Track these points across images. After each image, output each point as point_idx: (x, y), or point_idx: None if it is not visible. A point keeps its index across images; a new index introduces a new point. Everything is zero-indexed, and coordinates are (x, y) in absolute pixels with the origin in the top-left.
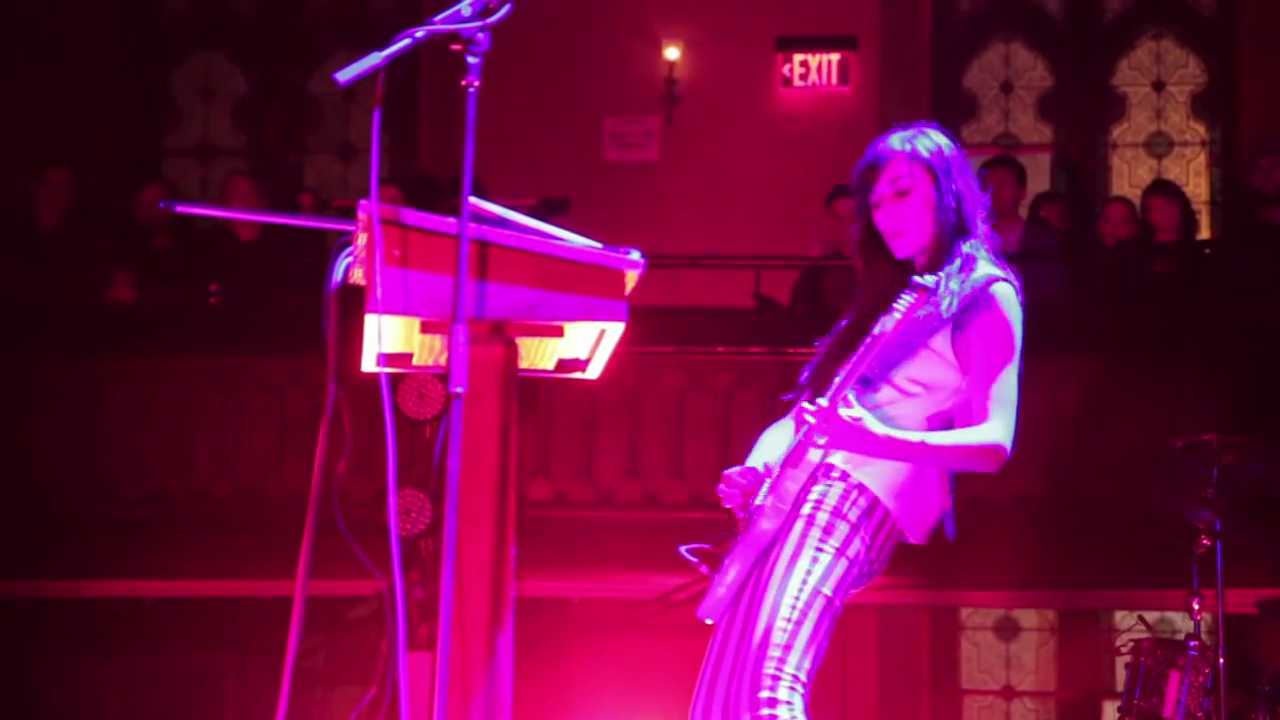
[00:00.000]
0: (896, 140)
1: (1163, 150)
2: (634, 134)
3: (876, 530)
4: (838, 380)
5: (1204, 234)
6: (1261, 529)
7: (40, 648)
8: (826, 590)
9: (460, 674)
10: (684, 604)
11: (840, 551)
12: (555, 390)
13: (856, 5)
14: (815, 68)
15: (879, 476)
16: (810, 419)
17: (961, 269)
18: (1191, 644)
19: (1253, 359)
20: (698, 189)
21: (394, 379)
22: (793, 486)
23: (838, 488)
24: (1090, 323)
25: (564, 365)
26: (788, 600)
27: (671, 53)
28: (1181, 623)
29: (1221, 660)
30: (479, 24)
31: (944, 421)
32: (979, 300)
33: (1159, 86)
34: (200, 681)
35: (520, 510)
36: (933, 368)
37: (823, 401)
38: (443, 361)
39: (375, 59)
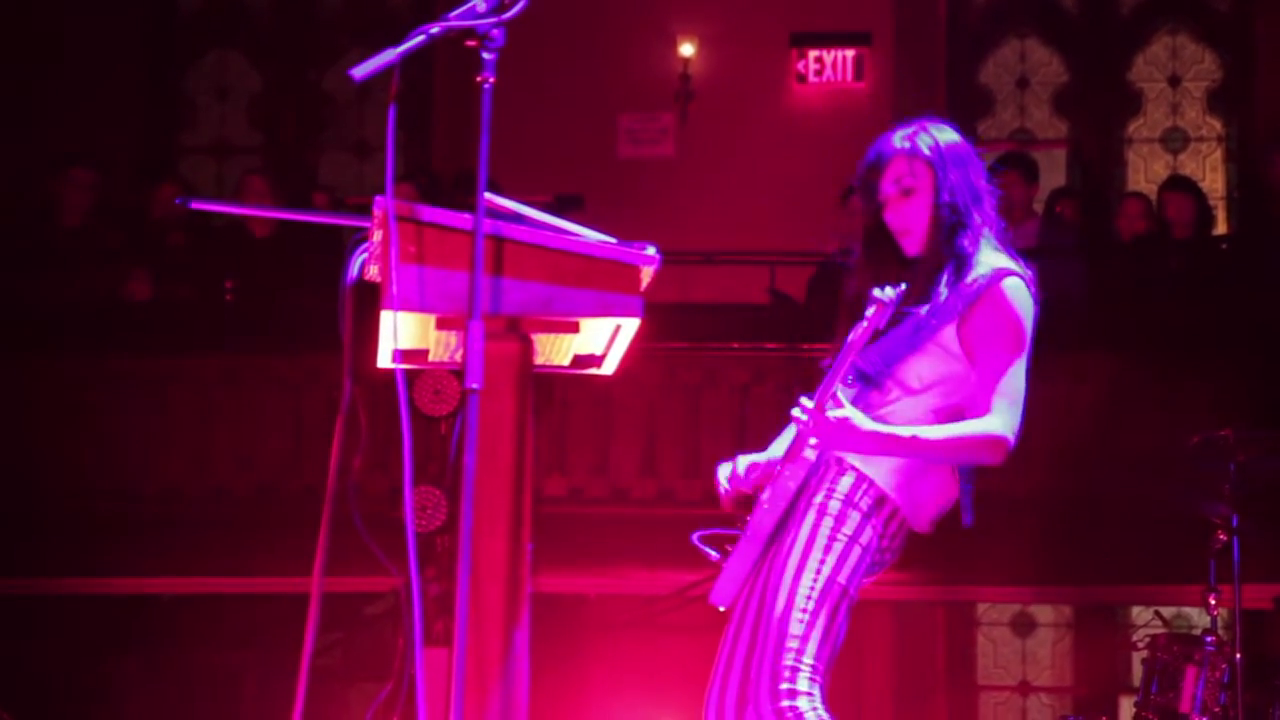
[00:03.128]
0: (898, 138)
1: (1179, 145)
2: (649, 131)
3: (887, 521)
4: (824, 381)
5: (1220, 229)
6: (1278, 525)
7: (57, 646)
8: (841, 579)
9: (477, 670)
10: (699, 599)
11: (853, 540)
12: (571, 386)
13: (871, 2)
14: (830, 64)
15: (882, 469)
16: (799, 419)
17: (961, 267)
18: (1208, 639)
19: (1270, 355)
20: (713, 185)
21: (410, 375)
22: (791, 484)
23: (849, 478)
24: (1106, 319)
25: (579, 361)
26: (802, 591)
27: (686, 49)
28: (1198, 618)
29: (1239, 655)
30: (494, 20)
31: (953, 414)
32: (985, 293)
33: (1175, 82)
34: (218, 679)
35: (536, 506)
36: (939, 363)
37: (808, 402)
38: (458, 358)
39: (390, 55)
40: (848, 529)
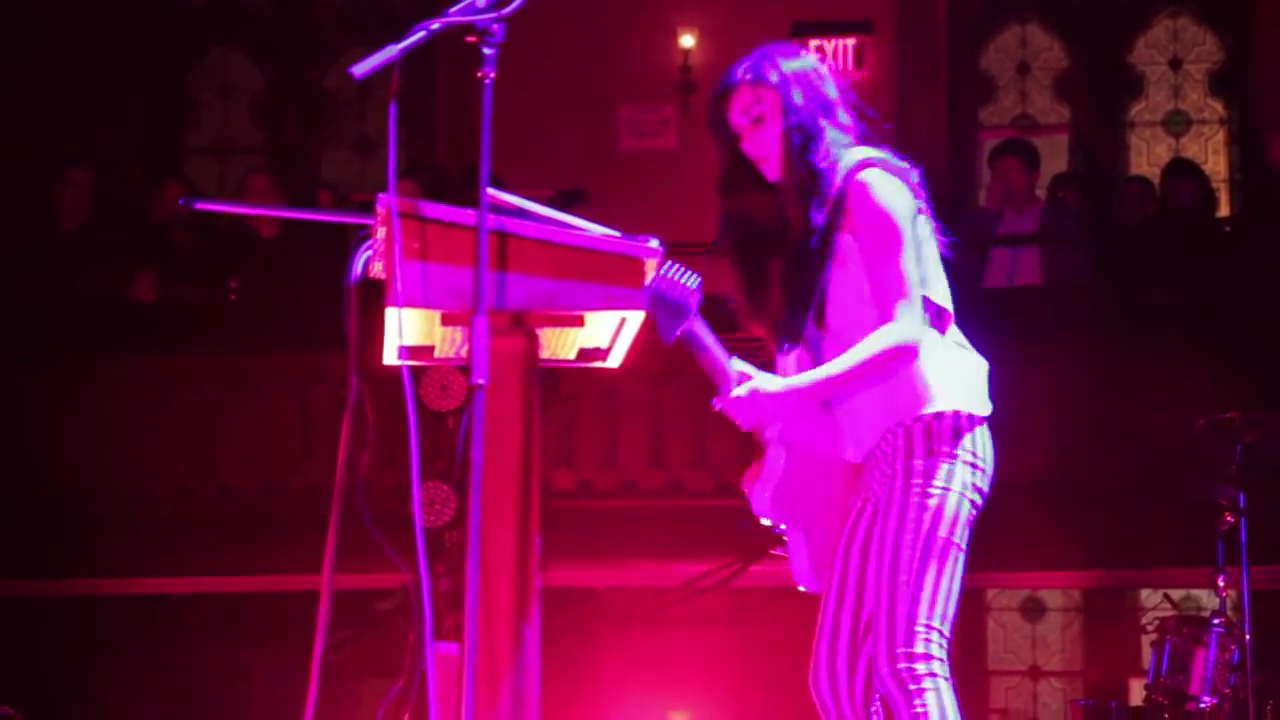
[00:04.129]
0: (741, 70)
1: (1181, 128)
2: (650, 123)
3: (956, 436)
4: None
5: (1223, 211)
6: None
7: (67, 646)
8: (942, 533)
9: (488, 665)
10: (709, 591)
11: (946, 490)
12: (577, 380)
13: None
14: (831, 53)
15: (913, 400)
16: (724, 412)
17: (818, 180)
18: (1217, 621)
19: (1272, 337)
20: (715, 176)
21: (416, 372)
22: (765, 490)
23: (904, 435)
24: (1110, 303)
25: (585, 355)
26: (905, 556)
27: (687, 40)
28: (1207, 600)
29: (1248, 637)
30: (494, 15)
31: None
32: (847, 192)
33: (1176, 65)
34: (229, 677)
35: (544, 500)
36: (859, 279)
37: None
38: (464, 353)
39: (390, 52)
40: (940, 480)
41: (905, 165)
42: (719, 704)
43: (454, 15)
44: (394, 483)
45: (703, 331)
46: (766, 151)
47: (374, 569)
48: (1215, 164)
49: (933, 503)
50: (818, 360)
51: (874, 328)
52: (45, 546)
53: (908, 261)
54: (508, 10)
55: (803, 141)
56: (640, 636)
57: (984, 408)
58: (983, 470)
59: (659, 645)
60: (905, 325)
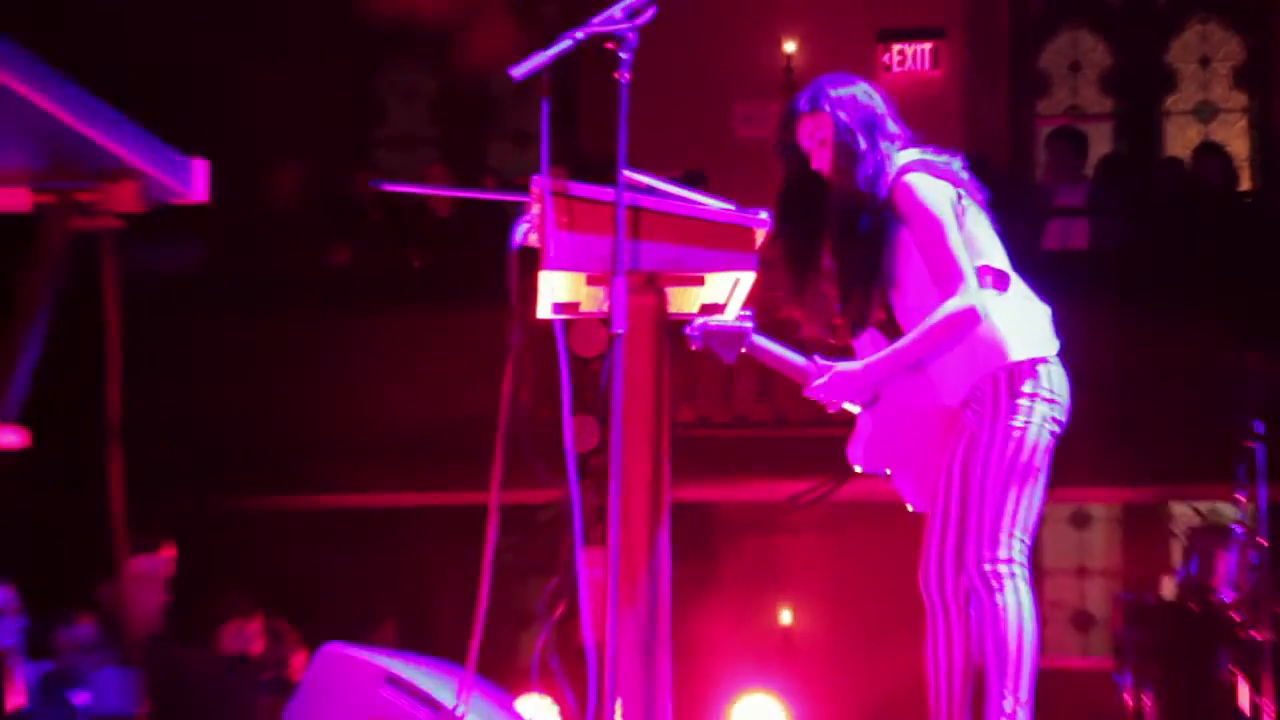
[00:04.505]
0: (801, 101)
1: (1209, 117)
2: (760, 115)
3: (1034, 378)
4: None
5: (1245, 186)
6: None
7: (304, 549)
8: (1024, 459)
9: (627, 565)
10: (809, 504)
11: (1028, 424)
12: None
13: (944, 1)
14: (911, 56)
15: (988, 353)
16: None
17: (869, 187)
18: (1238, 529)
19: None
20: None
21: (566, 324)
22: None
23: (991, 383)
24: (1146, 264)
25: (706, 309)
26: (994, 477)
27: (789, 45)
28: (1229, 513)
29: (1264, 542)
30: (628, 25)
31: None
32: (895, 196)
33: (1205, 62)
34: (421, 575)
35: (671, 430)
36: (921, 265)
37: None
38: (605, 308)
39: (542, 57)
40: (1020, 418)
41: (945, 159)
42: (817, 598)
43: (595, 25)
44: (549, 416)
45: (764, 344)
46: (828, 167)
47: (535, 486)
48: (1239, 146)
49: (1016, 435)
50: (898, 336)
51: (939, 302)
52: (276, 471)
53: (954, 243)
54: (640, 21)
55: (850, 158)
56: (751, 543)
57: (1052, 347)
58: (1059, 403)
59: (766, 550)
60: (962, 297)
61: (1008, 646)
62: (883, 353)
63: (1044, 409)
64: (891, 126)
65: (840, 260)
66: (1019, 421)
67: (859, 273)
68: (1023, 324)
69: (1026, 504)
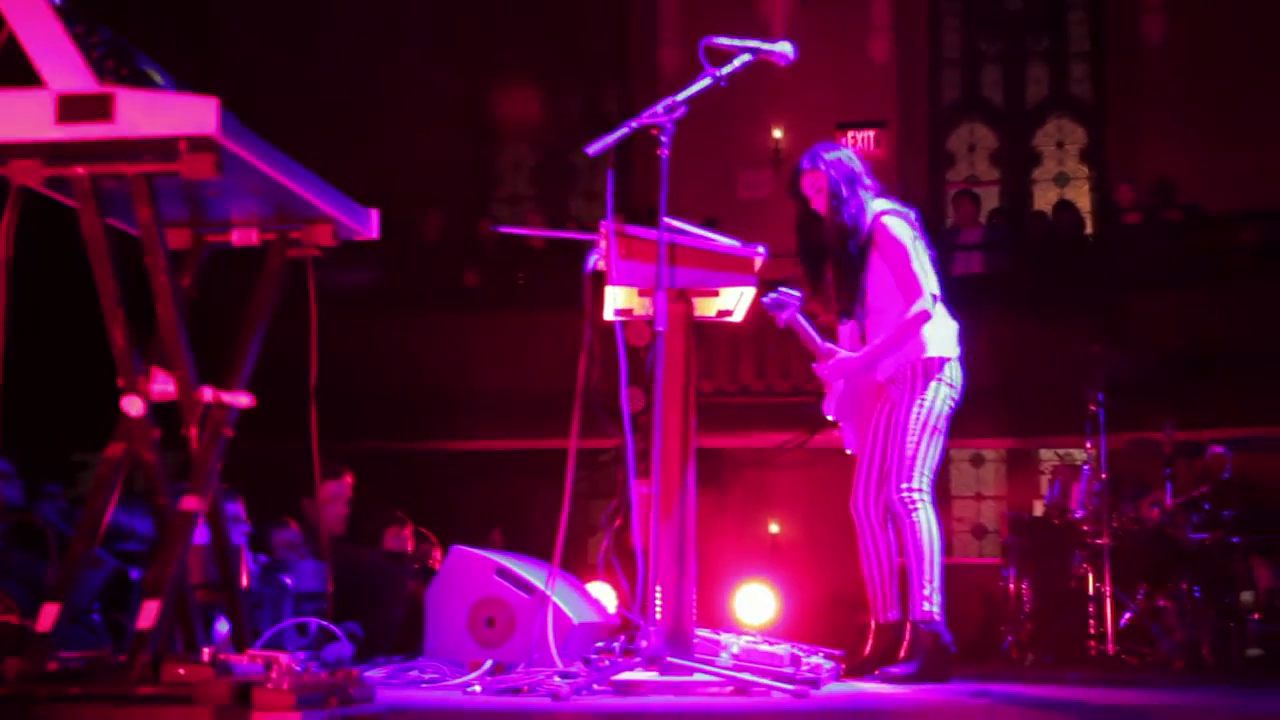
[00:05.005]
0: (804, 161)
1: (1064, 183)
2: (755, 181)
3: (941, 369)
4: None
5: (1089, 230)
6: (1130, 398)
7: (442, 478)
8: (930, 422)
9: (665, 492)
10: (793, 450)
11: (934, 398)
12: (716, 328)
13: (883, 100)
14: (861, 139)
15: (914, 347)
16: (819, 373)
17: (852, 225)
18: (1085, 466)
19: (1118, 301)
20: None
21: (623, 323)
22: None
23: (910, 367)
24: (1023, 283)
25: (721, 313)
26: (909, 431)
27: (777, 132)
28: (1080, 455)
29: (1104, 475)
30: (668, 118)
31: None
32: (874, 232)
33: (1060, 145)
34: (522, 498)
35: (696, 398)
36: (884, 279)
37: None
38: (651, 313)
39: (610, 139)
40: (929, 394)
41: (906, 209)
42: (798, 516)
43: (645, 118)
44: (608, 387)
45: (803, 322)
46: (824, 209)
47: (599, 436)
48: (1083, 203)
49: (925, 405)
50: (863, 328)
51: (901, 309)
52: (436, 421)
53: (916, 266)
54: (676, 115)
55: (838, 202)
56: (751, 476)
57: (955, 351)
58: (955, 388)
59: (761, 482)
60: (920, 303)
61: (923, 550)
62: (867, 347)
63: (945, 391)
64: (866, 180)
65: (836, 272)
66: (927, 398)
67: (848, 282)
68: (941, 331)
69: (930, 451)
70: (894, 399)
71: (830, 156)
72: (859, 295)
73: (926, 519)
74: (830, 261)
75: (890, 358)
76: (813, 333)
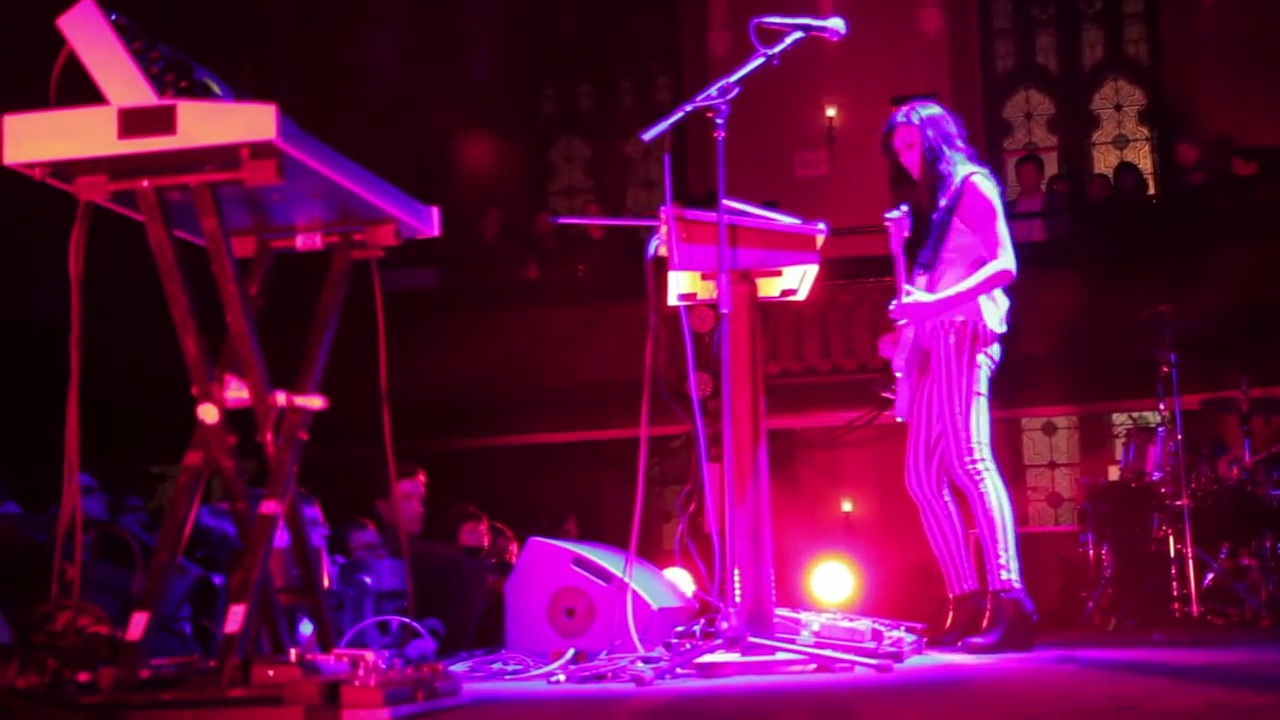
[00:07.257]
0: (899, 116)
1: (1124, 144)
2: (811, 160)
3: (978, 338)
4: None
5: (1152, 191)
6: (1201, 360)
7: (514, 472)
8: (977, 390)
9: (737, 474)
10: (862, 427)
11: (975, 363)
12: (780, 307)
13: (935, 71)
14: None
15: (961, 314)
16: (891, 310)
17: (943, 181)
18: (1160, 429)
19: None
20: (850, 190)
21: (687, 308)
22: (902, 353)
23: (952, 335)
24: (1085, 248)
25: (784, 293)
26: (960, 401)
27: (830, 111)
28: (1154, 418)
29: (1179, 437)
30: (722, 99)
31: (977, 264)
32: (963, 190)
33: (1118, 107)
34: (594, 488)
35: (763, 379)
36: (959, 238)
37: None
38: (714, 296)
39: (664, 124)
40: (968, 365)
41: (994, 176)
42: (869, 493)
43: (699, 101)
44: (675, 373)
45: (901, 253)
46: (914, 164)
47: (670, 423)
48: (1145, 165)
49: (966, 376)
50: (932, 278)
51: (976, 264)
52: (487, 418)
53: (1001, 224)
54: (730, 96)
55: (931, 159)
56: (821, 456)
57: (1003, 329)
58: (993, 363)
59: (832, 460)
60: (1004, 259)
61: (994, 520)
62: (946, 291)
63: (986, 363)
64: (959, 142)
65: (921, 227)
66: (969, 368)
67: (930, 238)
68: (1000, 306)
69: (980, 419)
70: (935, 373)
71: (926, 113)
72: (939, 252)
73: (994, 488)
74: (921, 211)
75: (965, 304)
76: (904, 268)
